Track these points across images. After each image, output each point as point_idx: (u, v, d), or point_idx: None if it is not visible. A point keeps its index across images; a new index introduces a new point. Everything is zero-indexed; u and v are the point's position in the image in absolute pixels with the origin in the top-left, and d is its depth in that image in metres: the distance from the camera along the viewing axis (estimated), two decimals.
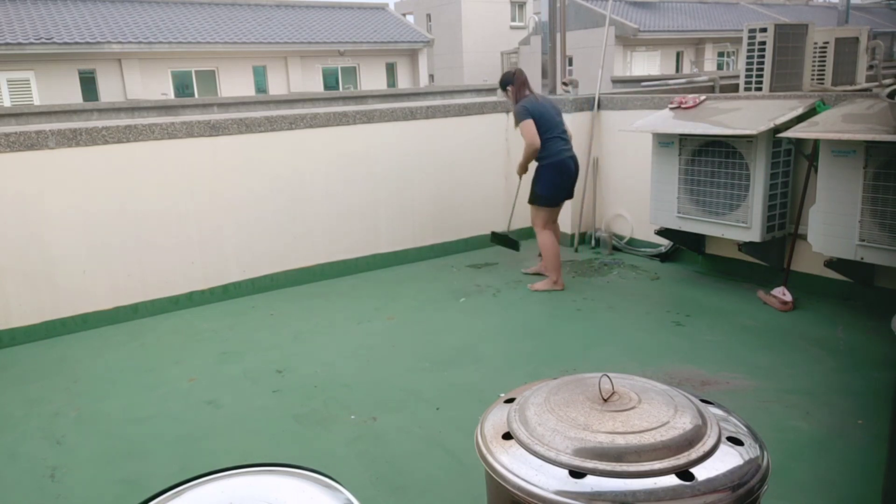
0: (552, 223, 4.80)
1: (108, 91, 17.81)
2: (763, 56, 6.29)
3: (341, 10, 22.92)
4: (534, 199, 4.73)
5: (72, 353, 4.04)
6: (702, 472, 1.34)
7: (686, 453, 1.37)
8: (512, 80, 4.69)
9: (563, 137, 4.64)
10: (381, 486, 2.60)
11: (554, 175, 4.62)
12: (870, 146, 3.61)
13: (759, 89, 6.29)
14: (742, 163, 4.30)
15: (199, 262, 4.73)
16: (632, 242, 5.73)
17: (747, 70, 6.45)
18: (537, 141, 4.51)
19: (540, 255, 4.95)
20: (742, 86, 6.55)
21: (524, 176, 4.88)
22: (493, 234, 5.32)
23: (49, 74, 16.91)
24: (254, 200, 4.87)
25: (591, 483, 1.33)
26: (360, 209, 5.34)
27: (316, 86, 20.88)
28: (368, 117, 5.26)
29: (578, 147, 5.85)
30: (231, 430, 3.08)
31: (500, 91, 4.81)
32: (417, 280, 5.17)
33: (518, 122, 4.56)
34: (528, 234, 5.92)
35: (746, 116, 4.24)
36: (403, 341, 4.04)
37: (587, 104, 5.82)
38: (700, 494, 1.30)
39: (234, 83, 19.56)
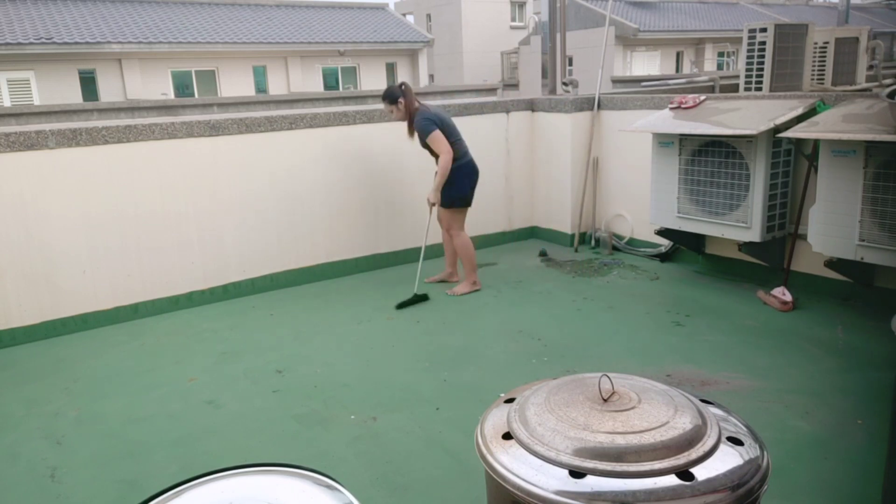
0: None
1: (108, 91, 17.80)
2: (763, 56, 6.29)
3: (341, 10, 22.92)
4: (453, 203, 4.69)
5: (72, 353, 4.04)
6: (702, 472, 1.34)
7: (686, 453, 1.37)
8: (402, 93, 4.57)
9: (463, 140, 4.70)
10: (381, 486, 2.60)
11: (469, 175, 4.69)
12: (870, 146, 3.61)
13: (759, 89, 6.29)
14: (742, 163, 4.30)
15: (199, 262, 4.73)
16: (632, 242, 5.73)
17: (747, 70, 6.45)
18: (451, 150, 4.53)
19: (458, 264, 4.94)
20: (742, 86, 6.55)
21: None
22: (399, 305, 4.61)
23: (49, 74, 16.91)
24: (254, 200, 4.87)
25: (591, 483, 1.33)
26: (360, 209, 5.34)
27: (316, 86, 20.88)
28: (368, 117, 5.26)
29: (578, 147, 5.87)
30: (231, 430, 3.08)
31: (384, 105, 4.64)
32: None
33: (426, 134, 4.50)
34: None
35: (746, 116, 4.24)
36: (403, 341, 4.04)
37: (587, 104, 5.83)
38: (700, 494, 1.30)
39: (234, 83, 19.55)
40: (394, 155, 5.43)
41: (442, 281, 5.07)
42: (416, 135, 4.62)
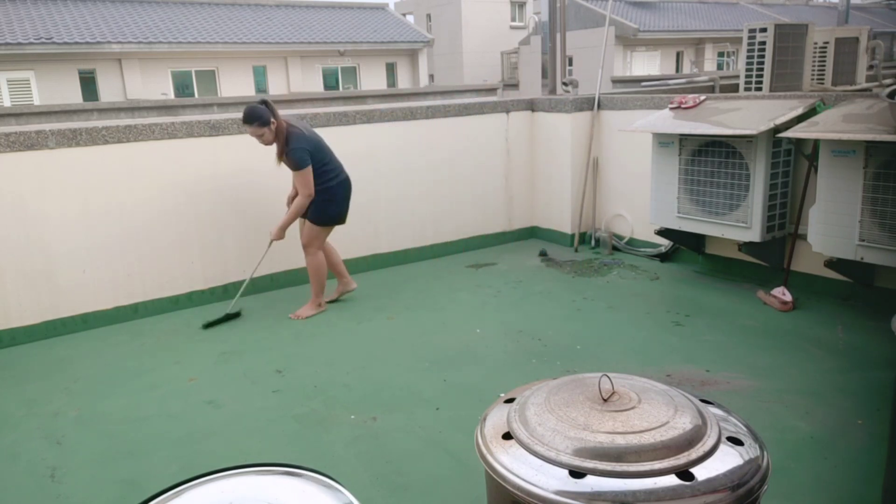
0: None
1: (108, 91, 17.81)
2: (763, 56, 6.29)
3: (341, 10, 22.92)
4: (325, 220, 4.36)
5: (72, 353, 4.04)
6: (702, 472, 1.34)
7: (686, 453, 1.37)
8: (271, 114, 4.06)
9: (335, 157, 4.40)
10: (381, 486, 2.60)
11: (345, 192, 4.40)
12: (870, 146, 3.61)
13: (759, 89, 6.29)
14: (742, 163, 4.30)
15: (199, 262, 4.73)
16: (632, 242, 5.73)
17: (747, 70, 6.45)
18: (313, 194, 4.20)
19: (340, 283, 4.70)
20: (742, 86, 6.55)
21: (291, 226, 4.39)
22: (206, 324, 4.37)
23: (49, 74, 16.91)
24: (254, 200, 4.87)
25: (591, 483, 1.33)
26: (359, 209, 5.32)
27: (316, 86, 20.88)
28: (368, 117, 5.26)
29: (578, 147, 5.87)
30: (231, 430, 3.08)
31: (252, 128, 4.06)
32: (417, 280, 5.17)
33: (300, 167, 4.11)
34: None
35: (746, 116, 4.24)
36: (403, 341, 4.04)
37: (587, 104, 5.83)
38: (700, 494, 1.30)
39: (234, 83, 19.56)
40: (394, 155, 5.43)
41: (343, 293, 4.74)
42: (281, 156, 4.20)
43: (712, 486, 1.32)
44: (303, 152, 4.11)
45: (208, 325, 4.37)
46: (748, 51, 6.41)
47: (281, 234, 4.35)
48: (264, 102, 4.11)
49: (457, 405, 3.21)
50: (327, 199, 4.31)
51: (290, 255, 5.09)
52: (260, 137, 4.12)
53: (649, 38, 23.48)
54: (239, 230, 4.84)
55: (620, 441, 1.39)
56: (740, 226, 4.37)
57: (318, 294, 4.53)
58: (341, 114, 5.17)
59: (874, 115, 3.71)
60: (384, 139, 5.37)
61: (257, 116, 4.04)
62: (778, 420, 2.93)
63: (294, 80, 20.50)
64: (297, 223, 4.50)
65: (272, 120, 4.06)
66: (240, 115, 4.26)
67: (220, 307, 4.72)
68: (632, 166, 5.53)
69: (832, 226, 3.84)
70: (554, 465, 1.38)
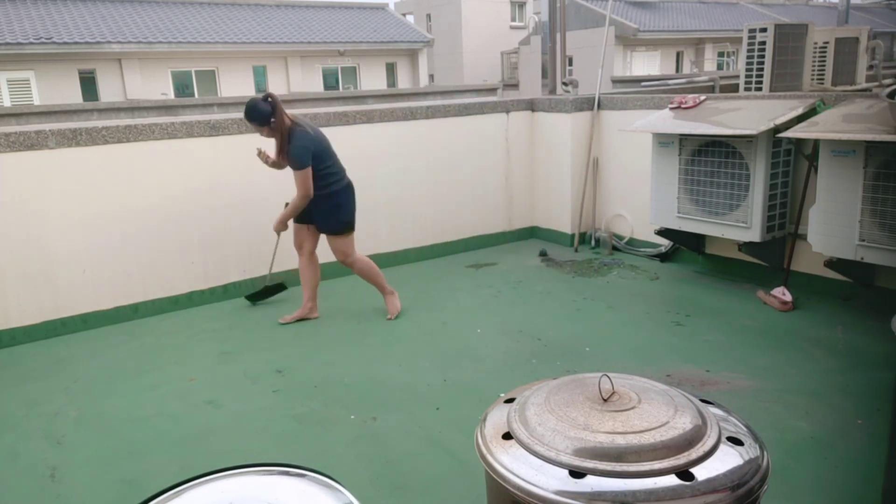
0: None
1: (108, 91, 17.81)
2: (763, 56, 6.29)
3: (341, 10, 22.92)
4: (344, 229, 4.21)
5: (72, 353, 4.04)
6: (702, 472, 1.34)
7: (686, 453, 1.37)
8: (272, 110, 3.87)
9: (338, 159, 4.22)
10: (381, 486, 2.60)
11: (352, 196, 4.24)
12: (870, 146, 3.61)
13: (759, 89, 6.29)
14: (742, 163, 4.30)
15: (199, 262, 4.73)
16: (632, 242, 5.73)
17: (747, 70, 6.45)
18: (311, 194, 4.02)
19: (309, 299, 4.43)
20: (742, 86, 6.56)
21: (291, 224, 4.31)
22: (249, 296, 4.48)
23: (49, 74, 16.91)
24: (254, 200, 4.87)
25: (591, 483, 1.33)
26: (359, 209, 5.31)
27: (316, 86, 20.88)
28: (368, 117, 5.26)
29: (578, 147, 5.87)
30: (231, 430, 3.08)
31: (251, 125, 3.96)
32: (417, 280, 5.17)
33: (298, 168, 3.92)
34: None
35: (746, 116, 4.24)
36: (403, 341, 4.04)
37: (587, 104, 5.83)
38: (700, 494, 1.30)
39: (234, 83, 19.55)
40: (394, 155, 5.43)
41: (302, 319, 4.40)
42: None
43: (712, 486, 1.32)
44: (304, 151, 3.93)
45: (252, 297, 4.57)
46: (748, 51, 6.41)
47: (281, 226, 4.26)
48: (268, 97, 3.92)
49: (457, 405, 3.21)
50: (335, 204, 4.15)
51: (290, 255, 5.09)
52: (259, 132, 4.03)
53: (649, 38, 23.48)
54: (239, 230, 4.84)
55: (620, 441, 1.39)
56: (740, 226, 4.37)
57: (384, 285, 4.45)
58: (341, 114, 5.17)
59: (874, 115, 3.71)
60: (384, 139, 5.36)
61: (255, 116, 3.90)
62: (778, 420, 2.93)
63: (294, 80, 20.50)
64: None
65: (272, 119, 3.89)
66: (240, 114, 4.25)
67: (220, 307, 4.73)
68: (632, 166, 5.53)
69: (832, 226, 3.84)
70: (554, 465, 1.38)
